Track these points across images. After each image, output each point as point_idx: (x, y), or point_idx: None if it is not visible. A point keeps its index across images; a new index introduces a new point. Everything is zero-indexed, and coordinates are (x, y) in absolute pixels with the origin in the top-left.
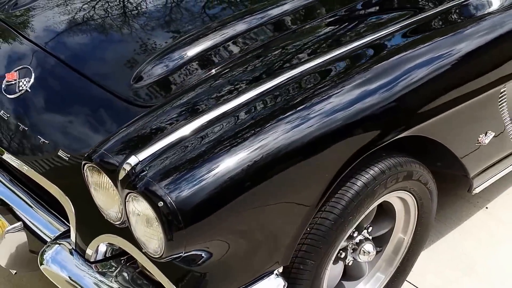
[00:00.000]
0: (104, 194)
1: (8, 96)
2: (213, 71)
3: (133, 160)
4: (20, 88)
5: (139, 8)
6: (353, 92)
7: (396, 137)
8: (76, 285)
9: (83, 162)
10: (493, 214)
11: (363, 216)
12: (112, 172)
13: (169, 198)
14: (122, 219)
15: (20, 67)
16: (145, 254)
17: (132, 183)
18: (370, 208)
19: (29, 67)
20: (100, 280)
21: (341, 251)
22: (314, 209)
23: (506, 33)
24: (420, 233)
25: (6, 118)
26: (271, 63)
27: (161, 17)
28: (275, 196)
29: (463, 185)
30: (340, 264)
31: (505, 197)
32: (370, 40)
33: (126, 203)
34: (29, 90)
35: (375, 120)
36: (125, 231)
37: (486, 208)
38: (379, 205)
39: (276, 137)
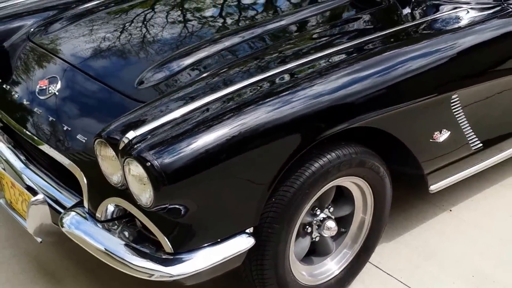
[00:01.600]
0: (109, 163)
1: (40, 97)
2: (208, 73)
3: (131, 134)
4: (50, 92)
5: (143, 30)
6: (316, 89)
7: (349, 127)
8: (90, 240)
9: (94, 138)
10: (456, 215)
11: (320, 193)
12: (115, 144)
13: (156, 162)
14: (121, 182)
15: (50, 76)
16: (139, 208)
17: (129, 151)
18: (326, 187)
19: (56, 76)
20: (107, 236)
21: (307, 226)
22: (274, 179)
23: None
24: (379, 214)
25: (38, 113)
26: (261, 64)
27: (162, 35)
28: (242, 169)
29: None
30: (308, 239)
31: (468, 202)
32: (342, 48)
33: (124, 167)
34: (57, 93)
35: (328, 112)
36: (124, 193)
37: (450, 210)
38: (340, 190)
39: (247, 121)
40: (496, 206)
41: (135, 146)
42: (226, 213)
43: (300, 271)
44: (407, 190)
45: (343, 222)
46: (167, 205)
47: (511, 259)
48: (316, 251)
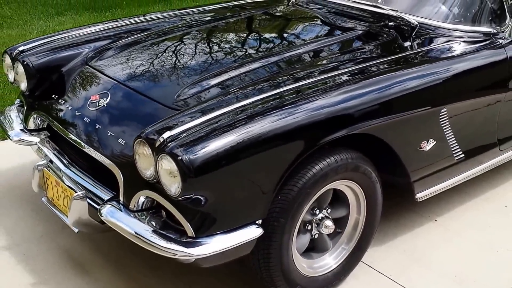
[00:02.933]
0: (144, 159)
1: (91, 109)
2: (229, 90)
3: (166, 134)
4: (99, 104)
5: (179, 56)
6: (320, 102)
7: (348, 134)
8: (124, 226)
9: (135, 138)
10: (441, 224)
11: (319, 193)
12: (152, 144)
13: (185, 157)
14: (153, 176)
15: (101, 92)
16: (167, 198)
17: (163, 148)
18: (325, 189)
19: (107, 92)
20: (139, 223)
21: (307, 224)
22: (281, 178)
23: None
24: (371, 216)
25: (87, 122)
26: (272, 84)
27: (194, 61)
28: (254, 168)
29: (416, 203)
30: (308, 235)
31: (452, 213)
32: (346, 71)
33: (158, 161)
34: (105, 105)
35: (330, 121)
36: (154, 186)
37: (436, 220)
38: (336, 194)
39: (259, 128)
40: (477, 217)
41: (169, 144)
42: (239, 205)
43: (301, 263)
44: (398, 203)
45: (340, 223)
46: (191, 195)
47: (489, 262)
48: (315, 248)
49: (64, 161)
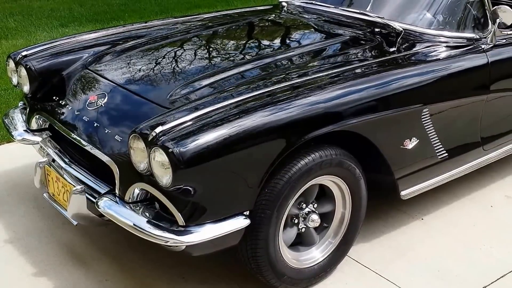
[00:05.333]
0: (138, 153)
1: (89, 108)
2: (220, 89)
3: (158, 129)
4: (97, 104)
5: (174, 60)
6: (303, 102)
7: (332, 130)
8: (119, 217)
9: (130, 133)
10: (426, 223)
11: (305, 187)
12: (145, 138)
13: (176, 149)
14: (147, 168)
15: (99, 93)
16: (159, 190)
17: (156, 142)
18: (311, 183)
19: (105, 93)
20: (133, 214)
21: (294, 218)
22: (267, 171)
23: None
24: (356, 211)
25: (86, 120)
26: (263, 83)
27: (188, 64)
28: (241, 161)
29: (404, 202)
30: (295, 229)
31: (438, 212)
32: (332, 72)
33: (151, 154)
34: (103, 105)
35: (315, 118)
36: (148, 178)
37: (422, 219)
38: (322, 189)
39: (246, 123)
40: (462, 216)
41: (161, 138)
42: (227, 196)
43: (288, 255)
44: (386, 202)
45: (326, 218)
46: (182, 186)
47: (472, 259)
48: (303, 242)
49: (65, 158)
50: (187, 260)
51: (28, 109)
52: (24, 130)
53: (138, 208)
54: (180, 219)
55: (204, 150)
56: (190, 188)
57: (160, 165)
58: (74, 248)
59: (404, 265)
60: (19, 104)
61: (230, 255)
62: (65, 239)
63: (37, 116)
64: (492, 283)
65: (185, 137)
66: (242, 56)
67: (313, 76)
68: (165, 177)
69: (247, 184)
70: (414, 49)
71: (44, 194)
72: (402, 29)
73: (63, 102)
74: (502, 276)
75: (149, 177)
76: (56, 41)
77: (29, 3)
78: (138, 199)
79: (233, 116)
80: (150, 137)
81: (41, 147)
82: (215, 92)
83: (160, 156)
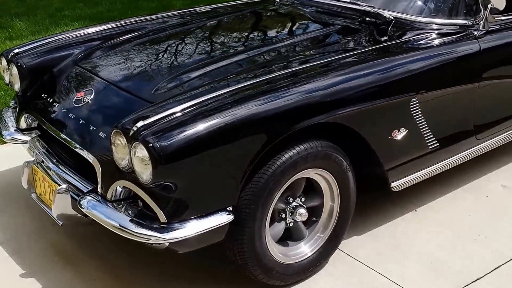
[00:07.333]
0: (120, 149)
1: (76, 105)
2: (205, 83)
3: (140, 123)
4: (84, 101)
5: (163, 54)
6: (287, 93)
7: (317, 122)
8: (102, 216)
9: (112, 129)
10: (420, 215)
11: (290, 181)
12: (126, 133)
13: (157, 144)
14: (128, 165)
15: (87, 89)
16: (140, 187)
17: (136, 136)
18: (296, 176)
19: (92, 89)
20: (114, 212)
21: (281, 213)
22: (249, 165)
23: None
24: (345, 204)
25: (72, 118)
26: (246, 76)
27: (177, 58)
28: (223, 156)
29: (397, 195)
30: (282, 224)
31: (432, 204)
32: (321, 62)
33: (131, 150)
34: (90, 102)
35: (299, 110)
36: (130, 175)
37: (416, 211)
38: (310, 183)
39: (227, 118)
40: (457, 207)
41: (142, 132)
42: (210, 192)
43: (275, 250)
44: (378, 194)
45: (315, 212)
46: (162, 182)
47: (466, 250)
48: (292, 237)
49: (51, 157)
50: (177, 259)
51: (18, 108)
52: (14, 130)
53: (121, 206)
54: (161, 216)
55: (186, 145)
56: (171, 184)
57: (140, 161)
58: (63, 249)
59: (396, 258)
60: (11, 103)
61: (221, 253)
62: (55, 239)
63: (26, 115)
64: (486, 274)
65: (166, 132)
66: (230, 49)
67: (298, 67)
68: (145, 173)
69: (230, 179)
70: (404, 37)
71: (32, 195)
72: (392, 18)
73: (51, 100)
74: (496, 268)
75: (130, 174)
76: (48, 38)
77: (35, 2)
78: (122, 197)
79: (215, 110)
80: (131, 132)
81: (30, 146)
82: (201, 85)
83: (140, 152)
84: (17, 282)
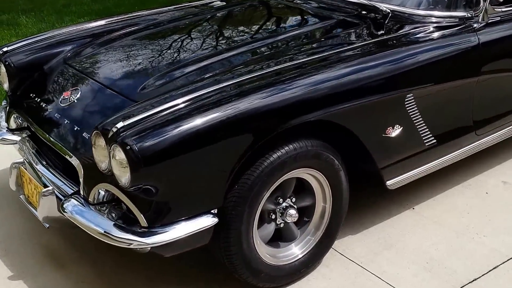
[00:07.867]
0: (100, 151)
1: (62, 105)
2: (191, 81)
3: (119, 124)
4: (70, 100)
5: (153, 52)
6: (276, 91)
7: (307, 120)
8: (84, 220)
9: (92, 130)
10: (418, 212)
11: (279, 182)
12: (106, 134)
13: (135, 146)
14: (108, 168)
15: (73, 88)
16: (121, 190)
17: (115, 138)
18: (285, 177)
19: (78, 88)
20: (95, 215)
21: (271, 214)
22: (234, 167)
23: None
24: (337, 204)
25: (58, 118)
26: (232, 74)
27: (165, 54)
28: (206, 158)
29: (394, 192)
30: (272, 225)
31: (430, 201)
32: (315, 57)
33: (110, 153)
34: (76, 101)
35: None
36: (110, 178)
37: (413, 208)
38: (301, 183)
39: (209, 118)
40: (456, 204)
41: (121, 134)
42: (192, 195)
43: (264, 251)
44: (374, 192)
45: (307, 212)
46: (141, 185)
47: (464, 249)
48: (283, 238)
49: (40, 158)
50: (166, 261)
51: (7, 108)
52: (5, 130)
53: (104, 209)
54: (142, 220)
55: (166, 147)
56: (151, 188)
57: (119, 164)
58: (53, 251)
59: (391, 257)
60: (3, 103)
61: (211, 255)
62: (45, 241)
63: (15, 115)
64: (483, 275)
65: (145, 133)
66: (217, 47)
67: (289, 64)
68: (124, 176)
69: (214, 181)
70: (402, 30)
71: (21, 196)
72: (389, 11)
73: (39, 100)
74: (494, 268)
75: (112, 177)
76: (39, 36)
77: None
78: (105, 200)
79: (197, 109)
80: (110, 134)
81: (20, 147)
82: (188, 83)
83: (119, 154)
84: (4, 285)
